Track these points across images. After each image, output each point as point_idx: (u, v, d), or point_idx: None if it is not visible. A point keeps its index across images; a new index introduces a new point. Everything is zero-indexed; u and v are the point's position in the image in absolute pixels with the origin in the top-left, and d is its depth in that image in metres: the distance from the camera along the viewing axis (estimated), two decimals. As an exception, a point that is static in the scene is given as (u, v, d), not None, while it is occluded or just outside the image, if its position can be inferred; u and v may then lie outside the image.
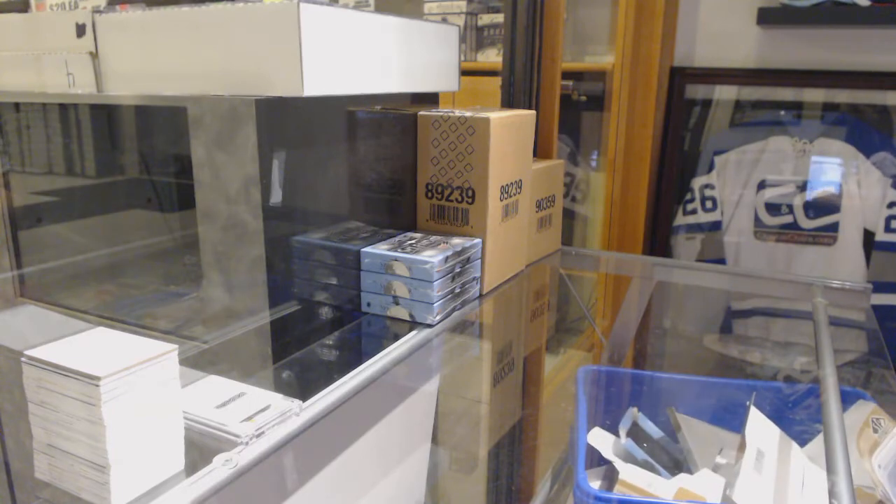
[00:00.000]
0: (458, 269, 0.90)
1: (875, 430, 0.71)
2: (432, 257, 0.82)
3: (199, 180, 0.78)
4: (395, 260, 0.83)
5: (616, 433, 0.88)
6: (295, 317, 0.83)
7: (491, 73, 1.68)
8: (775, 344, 1.50)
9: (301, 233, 0.85)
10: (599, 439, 0.84)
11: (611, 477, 0.80)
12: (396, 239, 0.90)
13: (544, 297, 1.22)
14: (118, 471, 0.48)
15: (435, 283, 0.83)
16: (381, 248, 0.85)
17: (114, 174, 1.11)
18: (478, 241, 0.93)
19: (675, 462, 0.87)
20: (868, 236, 1.64)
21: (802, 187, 1.68)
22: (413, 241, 0.89)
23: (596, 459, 0.83)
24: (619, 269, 1.40)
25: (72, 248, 1.05)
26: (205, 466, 0.53)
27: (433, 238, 0.92)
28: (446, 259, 0.85)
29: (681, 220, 1.81)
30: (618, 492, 0.74)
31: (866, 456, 0.70)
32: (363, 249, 0.85)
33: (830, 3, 1.53)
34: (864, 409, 0.81)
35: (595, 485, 0.81)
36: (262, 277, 0.77)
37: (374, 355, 0.76)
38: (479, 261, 0.95)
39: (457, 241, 0.90)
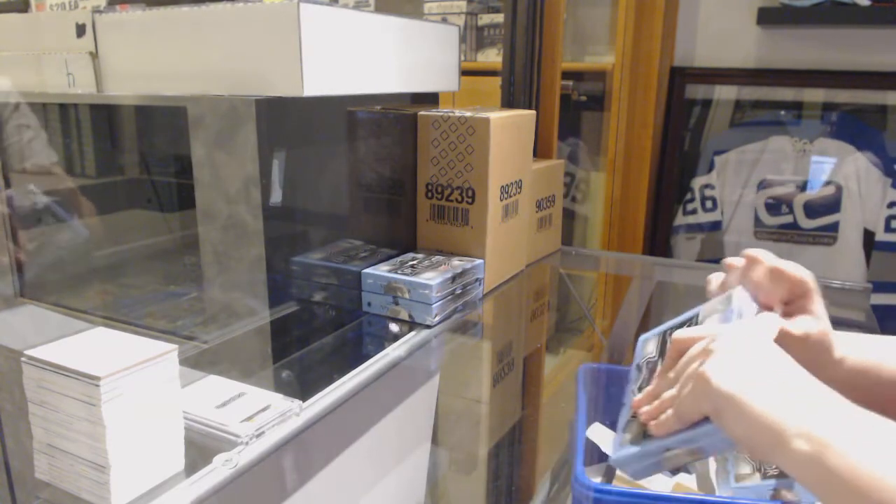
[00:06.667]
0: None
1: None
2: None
3: (199, 180, 0.78)
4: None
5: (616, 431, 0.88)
6: (295, 316, 0.83)
7: (491, 73, 1.68)
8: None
9: (301, 232, 0.85)
10: (599, 435, 0.84)
11: (610, 473, 0.80)
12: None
13: (544, 296, 1.22)
14: (118, 471, 0.48)
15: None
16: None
17: (114, 174, 1.11)
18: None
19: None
20: (868, 236, 1.63)
21: (802, 187, 1.68)
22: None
23: (596, 457, 0.83)
24: (619, 269, 1.40)
25: (72, 249, 1.05)
26: (205, 466, 0.53)
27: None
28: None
29: (681, 220, 1.80)
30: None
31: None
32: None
33: (830, 3, 1.53)
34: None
35: (594, 481, 0.81)
36: (262, 277, 0.77)
37: (373, 356, 0.76)
38: (482, 261, 0.95)
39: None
